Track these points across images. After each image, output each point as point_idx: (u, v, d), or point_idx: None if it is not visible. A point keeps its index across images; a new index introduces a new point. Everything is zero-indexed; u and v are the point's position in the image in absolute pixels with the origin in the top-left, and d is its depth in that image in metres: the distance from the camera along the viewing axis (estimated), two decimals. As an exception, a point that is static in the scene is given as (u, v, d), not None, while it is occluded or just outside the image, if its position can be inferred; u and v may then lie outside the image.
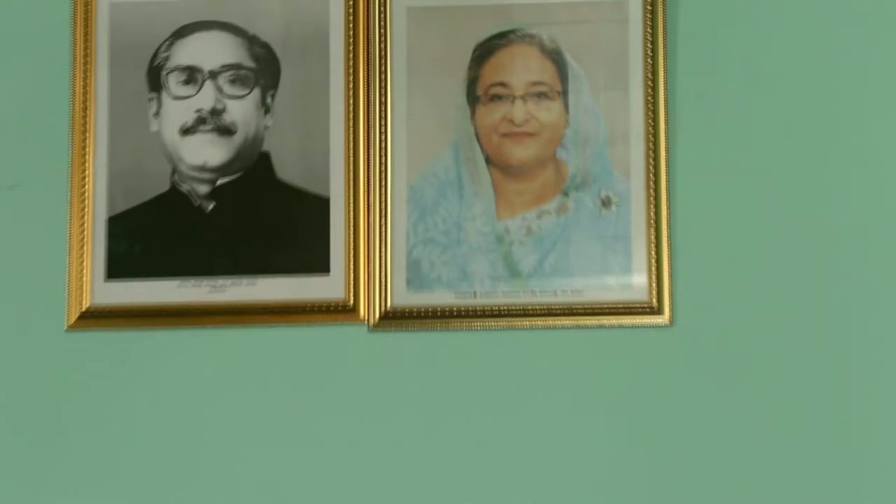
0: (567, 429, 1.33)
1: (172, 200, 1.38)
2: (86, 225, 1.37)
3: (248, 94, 1.38)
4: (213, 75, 1.38)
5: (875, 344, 1.33)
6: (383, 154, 1.37)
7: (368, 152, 1.37)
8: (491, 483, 1.32)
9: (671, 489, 1.30)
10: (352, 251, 1.34)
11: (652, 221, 1.31)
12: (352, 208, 1.35)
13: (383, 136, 1.37)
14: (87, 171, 1.37)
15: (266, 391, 1.36)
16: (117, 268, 1.37)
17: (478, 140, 1.37)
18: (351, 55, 1.38)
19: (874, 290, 1.33)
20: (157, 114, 1.39)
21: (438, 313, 1.34)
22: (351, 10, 1.36)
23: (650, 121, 1.32)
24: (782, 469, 1.30)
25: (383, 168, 1.36)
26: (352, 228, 1.35)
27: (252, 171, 1.38)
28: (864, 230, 1.35)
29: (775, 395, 1.30)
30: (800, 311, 1.32)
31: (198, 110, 1.38)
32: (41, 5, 1.42)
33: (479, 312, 1.34)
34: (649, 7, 1.31)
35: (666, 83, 1.33)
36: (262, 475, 1.33)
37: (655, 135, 1.31)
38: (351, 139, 1.37)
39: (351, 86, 1.38)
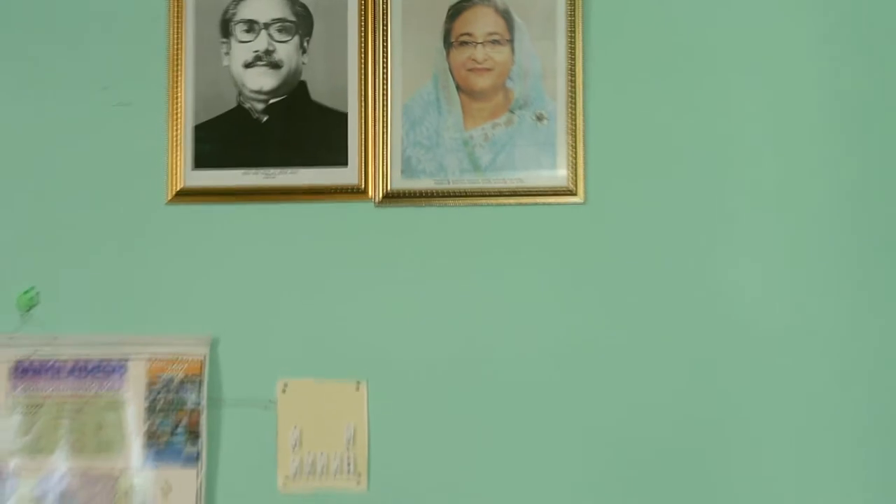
0: (512, 274, 1.72)
1: (238, 114, 1.78)
2: (179, 131, 1.78)
3: (291, 39, 1.78)
4: (266, 26, 1.78)
5: (750, 231, 1.67)
6: (385, 83, 1.75)
7: (375, 81, 1.75)
8: (455, 309, 1.73)
9: (584, 315, 1.70)
10: (363, 150, 1.74)
11: (571, 131, 1.70)
12: (363, 120, 1.75)
13: (385, 70, 1.76)
14: (179, 94, 1.78)
15: (302, 247, 1.77)
16: (201, 161, 1.78)
17: (451, 73, 1.75)
18: (362, 13, 1.76)
19: (753, 186, 1.67)
20: (227, 53, 1.79)
21: (423, 194, 1.74)
22: None
23: (570, 61, 1.71)
24: (671, 319, 1.66)
25: (385, 93, 1.75)
26: (363, 134, 1.75)
27: (293, 94, 1.78)
28: (751, 135, 1.67)
29: (656, 254, 1.69)
30: (679, 196, 1.69)
31: (255, 51, 1.77)
32: None
33: (450, 194, 1.73)
34: None
35: (582, 35, 1.71)
36: (300, 306, 1.75)
37: (574, 71, 1.71)
38: (362, 72, 1.76)
39: (362, 35, 1.76)
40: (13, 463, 1.74)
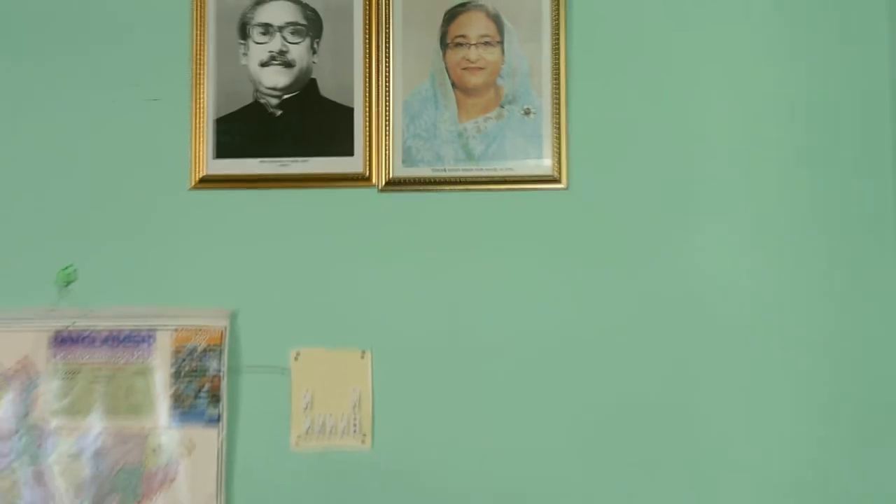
0: (503, 253, 1.89)
1: (254, 109, 1.94)
2: (201, 123, 1.94)
3: (302, 41, 1.93)
4: (280, 29, 1.94)
5: (715, 214, 1.85)
6: (387, 80, 1.91)
7: (378, 79, 1.91)
8: (450, 285, 1.90)
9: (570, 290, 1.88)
10: (367, 141, 1.90)
11: (555, 124, 1.86)
12: (367, 114, 1.90)
13: (387, 69, 1.91)
14: (201, 90, 1.95)
15: (313, 229, 1.92)
16: (221, 151, 1.93)
17: (447, 72, 1.90)
18: (367, 17, 1.91)
19: (720, 175, 1.84)
20: (245, 53, 1.95)
21: (421, 181, 1.89)
22: None
23: (555, 61, 1.87)
24: (643, 292, 1.83)
25: (387, 89, 1.91)
26: (367, 127, 1.90)
27: (305, 90, 1.93)
28: (718, 129, 1.84)
29: (631, 235, 1.86)
30: (652, 184, 1.86)
31: (270, 51, 1.93)
32: None
33: (446, 181, 1.88)
34: None
35: (565, 38, 1.88)
36: (311, 282, 1.92)
37: (558, 70, 1.87)
38: (367, 71, 1.91)
39: (366, 37, 1.91)
40: (54, 423, 1.93)
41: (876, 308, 1.82)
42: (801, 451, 1.82)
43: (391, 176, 1.92)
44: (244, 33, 1.98)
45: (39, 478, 1.91)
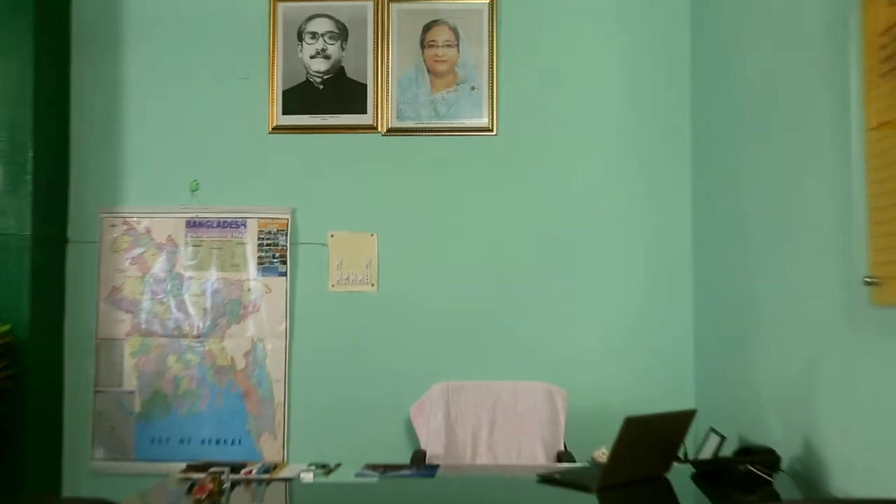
0: (458, 172, 3.05)
1: (306, 85, 3.09)
2: (274, 93, 3.08)
3: (336, 43, 3.09)
4: (322, 35, 3.09)
5: (585, 156, 3.06)
6: (388, 68, 3.05)
7: (382, 67, 3.05)
8: (426, 191, 3.06)
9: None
10: (375, 105, 3.06)
11: (490, 97, 3.02)
12: (376, 88, 3.06)
13: (388, 61, 3.05)
14: (274, 72, 3.09)
15: (341, 158, 3.07)
16: (286, 110, 3.09)
17: (424, 62, 3.05)
18: (376, 28, 3.06)
19: (594, 130, 3.04)
20: (300, 50, 3.10)
21: (408, 130, 3.05)
22: (376, 12, 3.08)
23: (490, 58, 3.01)
24: (540, 200, 3.07)
25: (388, 73, 3.05)
26: (375, 96, 3.06)
27: (337, 73, 3.08)
28: (595, 99, 3.05)
29: (535, 164, 3.07)
30: (549, 133, 3.02)
31: (316, 49, 3.09)
32: (249, 3, 3.17)
33: (423, 130, 3.04)
34: (491, 14, 3.03)
35: (497, 44, 3.03)
36: (340, 190, 3.09)
37: (492, 63, 3.02)
38: (375, 62, 3.06)
39: (375, 40, 3.06)
40: (187, 273, 3.20)
41: (669, 207, 3.07)
42: (625, 299, 3.08)
43: (389, 126, 3.12)
44: (300, 37, 3.16)
45: (180, 305, 3.18)
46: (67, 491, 3.06)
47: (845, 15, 1.70)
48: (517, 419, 2.80)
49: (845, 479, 1.76)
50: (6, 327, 2.79)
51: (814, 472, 1.90)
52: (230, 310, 3.14)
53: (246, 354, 3.11)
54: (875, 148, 1.56)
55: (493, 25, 3.11)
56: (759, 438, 2.21)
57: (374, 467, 2.14)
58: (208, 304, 3.15)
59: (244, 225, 3.15)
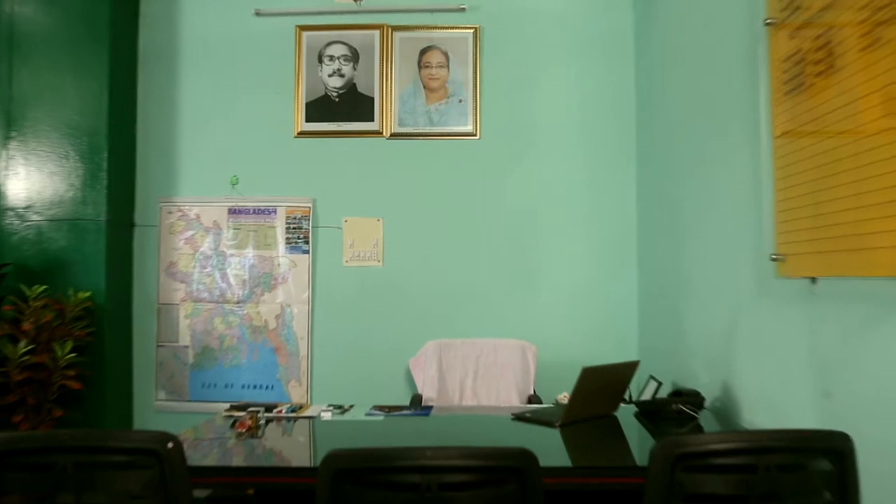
0: (448, 170, 3.05)
1: (325, 98, 3.10)
2: (299, 105, 3.10)
3: (349, 64, 3.09)
4: (338, 58, 3.10)
5: (552, 156, 3.07)
6: (390, 84, 3.06)
7: (386, 84, 3.07)
8: (423, 184, 3.07)
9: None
10: (381, 114, 3.08)
11: (474, 108, 3.03)
12: (382, 101, 3.08)
13: (390, 79, 3.07)
14: (299, 88, 3.10)
15: (354, 157, 3.08)
16: (308, 118, 3.10)
17: (421, 80, 3.07)
18: (381, 52, 3.07)
19: (559, 133, 3.06)
20: (320, 70, 3.14)
21: (408, 135, 3.06)
22: (382, 39, 3.11)
23: (475, 76, 3.02)
24: (515, 190, 3.09)
25: (390, 89, 3.07)
26: (382, 107, 3.07)
27: (350, 89, 3.09)
28: (559, 109, 3.08)
29: (512, 163, 3.09)
30: (523, 137, 3.04)
31: (333, 69, 3.11)
32: (279, 26, 3.15)
33: (420, 135, 3.05)
34: (474, 40, 3.08)
35: (480, 66, 3.04)
36: (352, 183, 3.09)
37: (476, 81, 3.03)
38: (381, 79, 3.07)
39: (381, 62, 3.07)
40: (229, 251, 3.22)
41: (618, 195, 3.09)
42: (582, 270, 3.10)
43: (392, 132, 3.13)
44: (320, 59, 3.17)
45: (224, 277, 3.20)
46: (137, 425, 3.10)
47: (756, 44, 1.72)
48: (496, 369, 2.84)
49: (754, 413, 1.80)
50: (87, 294, 2.85)
51: (730, 409, 1.94)
52: (264, 281, 3.16)
53: (277, 317, 3.14)
54: (780, 151, 1.59)
55: (476, 50, 3.12)
56: (689, 383, 2.25)
57: (380, 408, 2.16)
58: (246, 277, 3.16)
59: (275, 212, 3.15)
